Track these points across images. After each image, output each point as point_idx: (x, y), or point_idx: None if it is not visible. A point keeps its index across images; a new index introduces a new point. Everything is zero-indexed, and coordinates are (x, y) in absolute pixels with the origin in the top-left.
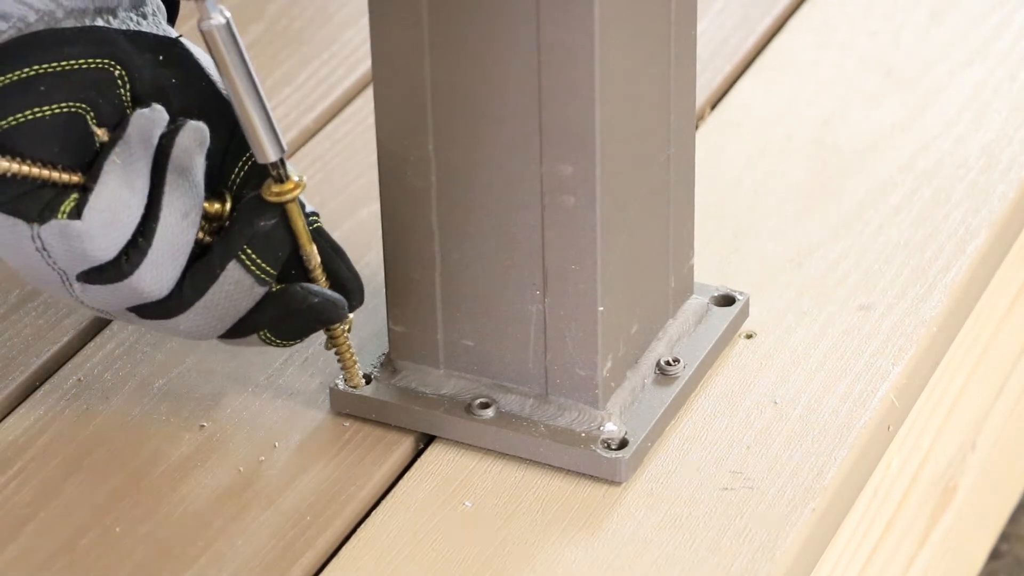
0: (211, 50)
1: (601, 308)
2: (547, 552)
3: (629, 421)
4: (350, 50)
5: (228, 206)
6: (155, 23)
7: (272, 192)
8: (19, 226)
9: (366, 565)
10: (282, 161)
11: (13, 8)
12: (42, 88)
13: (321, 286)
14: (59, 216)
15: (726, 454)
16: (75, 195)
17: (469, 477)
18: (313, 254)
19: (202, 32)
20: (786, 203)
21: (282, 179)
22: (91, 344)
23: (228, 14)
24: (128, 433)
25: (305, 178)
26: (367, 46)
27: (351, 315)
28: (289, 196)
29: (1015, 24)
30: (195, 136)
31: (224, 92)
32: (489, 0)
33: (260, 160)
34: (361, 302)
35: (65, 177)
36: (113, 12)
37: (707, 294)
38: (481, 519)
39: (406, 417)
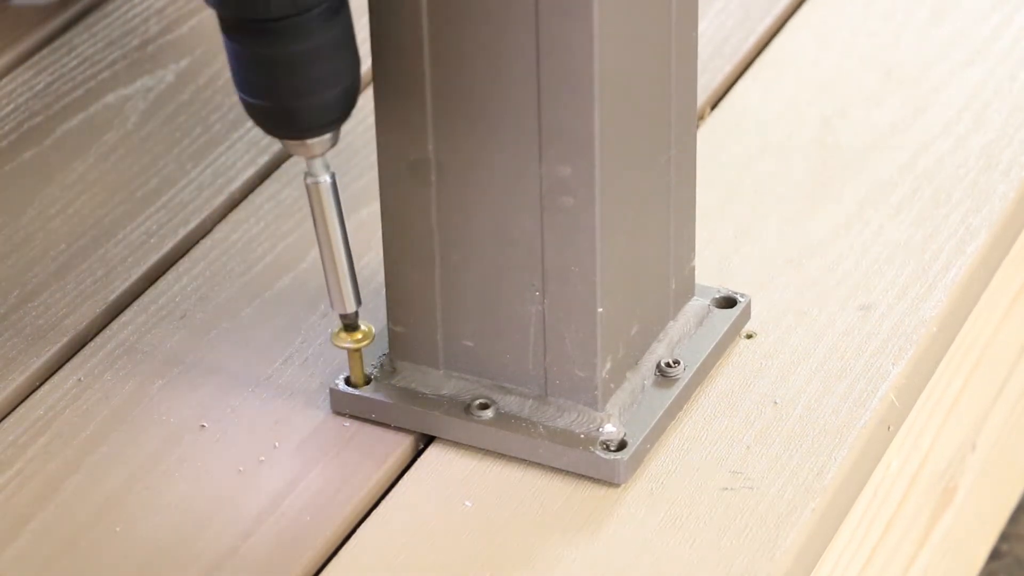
0: (311, 202)
1: (600, 309)
2: (547, 552)
3: (628, 423)
4: None
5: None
6: None
7: (342, 339)
8: None
9: (366, 565)
10: (356, 312)
11: None
12: None
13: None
14: None
15: (726, 454)
16: None
17: (469, 477)
18: None
19: (306, 185)
20: (786, 203)
21: (354, 328)
22: (91, 344)
23: (333, 171)
24: (128, 433)
25: (374, 329)
26: (367, 46)
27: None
28: (358, 345)
29: (1015, 24)
30: None
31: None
32: (489, 0)
33: (337, 310)
34: None
35: None
36: None
37: (708, 296)
38: (481, 519)
39: (406, 417)
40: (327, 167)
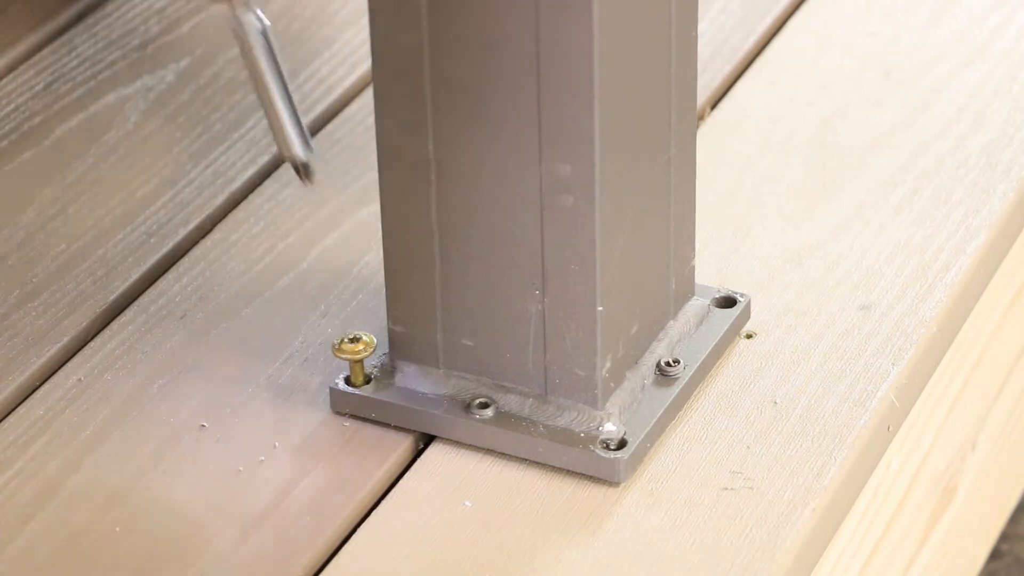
0: (241, 48)
1: (600, 308)
2: (547, 552)
3: (628, 421)
4: (350, 50)
5: None
6: None
7: (344, 351)
8: None
9: (366, 565)
10: (307, 167)
11: None
12: None
13: None
14: None
15: (726, 454)
16: None
17: (469, 477)
18: None
19: (233, 32)
20: (786, 203)
21: (308, 177)
22: (91, 344)
23: (265, 21)
24: (128, 433)
25: (375, 340)
26: (367, 46)
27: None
28: (359, 356)
29: (1015, 24)
30: None
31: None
32: (488, 0)
33: (286, 156)
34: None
35: None
36: None
37: (708, 296)
38: (481, 519)
39: (406, 417)
40: (252, 11)
